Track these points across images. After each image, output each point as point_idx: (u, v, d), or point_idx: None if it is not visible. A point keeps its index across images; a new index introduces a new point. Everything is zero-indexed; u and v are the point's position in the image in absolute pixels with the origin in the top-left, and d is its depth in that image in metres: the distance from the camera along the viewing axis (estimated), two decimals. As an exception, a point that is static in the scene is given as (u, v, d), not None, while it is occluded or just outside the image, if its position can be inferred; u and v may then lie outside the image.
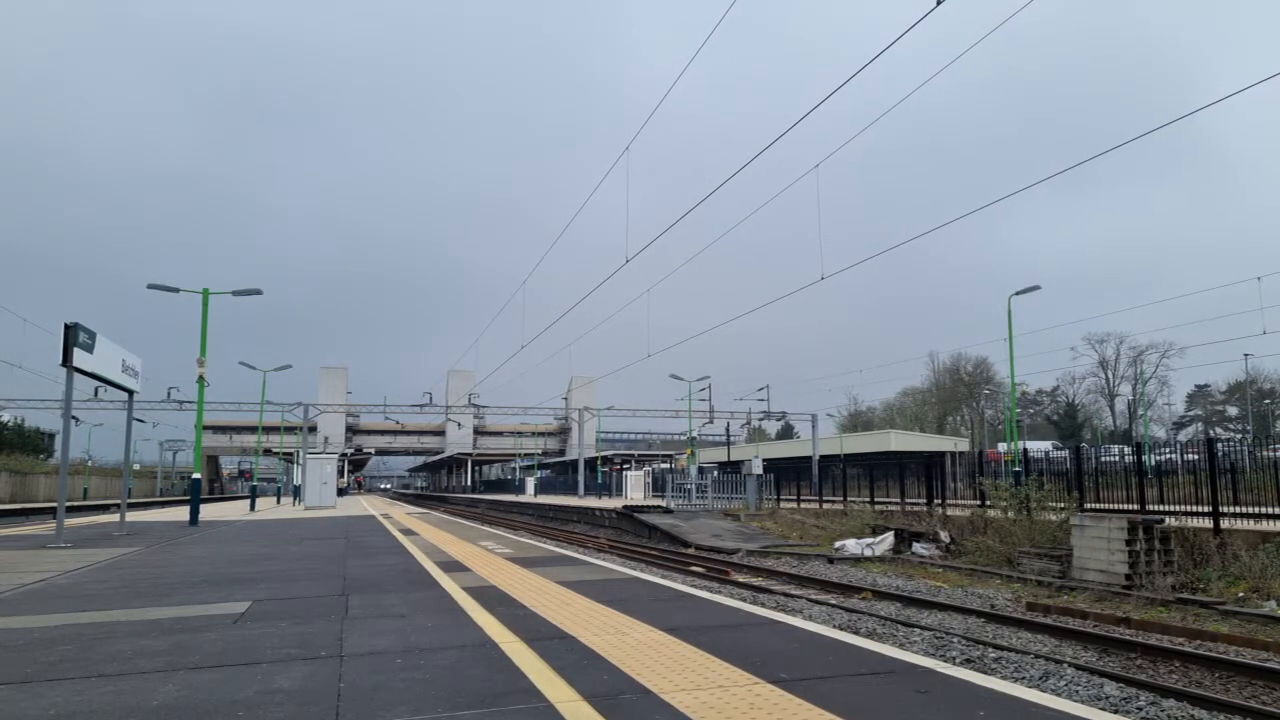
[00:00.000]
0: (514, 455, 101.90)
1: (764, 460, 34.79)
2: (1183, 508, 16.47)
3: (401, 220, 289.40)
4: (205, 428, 31.14)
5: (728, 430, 73.08)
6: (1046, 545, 17.12)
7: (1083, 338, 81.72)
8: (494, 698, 4.02)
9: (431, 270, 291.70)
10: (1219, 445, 17.21)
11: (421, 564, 10.79)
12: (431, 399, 74.39)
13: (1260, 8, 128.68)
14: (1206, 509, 15.83)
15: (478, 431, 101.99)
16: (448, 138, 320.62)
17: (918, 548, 20.61)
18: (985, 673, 7.27)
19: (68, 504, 17.65)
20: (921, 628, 10.67)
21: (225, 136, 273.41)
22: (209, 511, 31.43)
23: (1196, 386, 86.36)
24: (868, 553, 20.31)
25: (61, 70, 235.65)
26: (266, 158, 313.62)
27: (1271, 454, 16.45)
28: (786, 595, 13.86)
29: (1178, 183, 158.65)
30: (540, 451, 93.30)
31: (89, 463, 71.37)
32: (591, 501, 44.14)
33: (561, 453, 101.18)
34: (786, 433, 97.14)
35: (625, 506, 32.81)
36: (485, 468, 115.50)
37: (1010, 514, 19.40)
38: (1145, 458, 19.24)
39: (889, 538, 21.08)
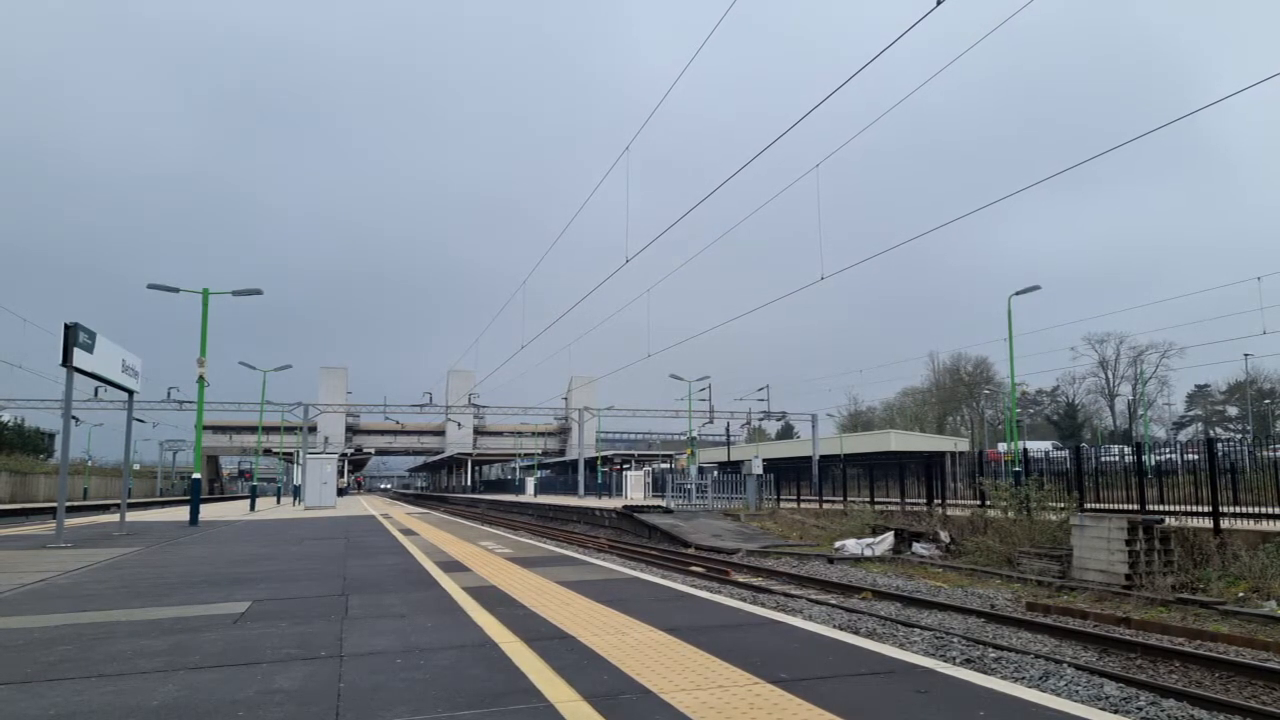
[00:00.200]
0: (514, 455, 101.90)
1: (764, 460, 34.79)
2: (1183, 508, 16.47)
3: (401, 220, 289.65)
4: (205, 428, 31.14)
5: (728, 430, 73.09)
6: (1046, 545, 17.12)
7: (1083, 338, 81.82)
8: (494, 698, 4.02)
9: (431, 270, 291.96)
10: (1219, 445, 17.21)
11: (421, 564, 10.79)
12: (431, 399, 74.42)
13: (1260, 8, 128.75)
14: (1206, 509, 15.83)
15: (478, 431, 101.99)
16: (448, 138, 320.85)
17: (918, 548, 20.61)
18: (985, 673, 7.27)
19: (68, 504, 17.65)
20: (921, 628, 10.67)
21: (225, 136, 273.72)
22: (209, 511, 31.43)
23: (1196, 386, 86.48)
24: (868, 553, 20.31)
25: (61, 70, 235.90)
26: (266, 158, 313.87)
27: (1271, 454, 16.45)
28: (786, 595, 13.86)
29: (1178, 183, 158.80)
30: (540, 451, 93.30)
31: (89, 463, 71.37)
32: (591, 501, 44.14)
33: (561, 453, 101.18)
34: (786, 433, 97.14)
35: (625, 506, 32.81)
36: (485, 468, 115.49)
37: (1010, 514, 19.41)
38: (1145, 458, 19.24)
39: (889, 538, 21.08)
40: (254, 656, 5.03)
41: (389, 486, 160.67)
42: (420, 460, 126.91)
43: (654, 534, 26.83)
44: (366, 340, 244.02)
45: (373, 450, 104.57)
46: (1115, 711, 6.77)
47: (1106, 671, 8.46)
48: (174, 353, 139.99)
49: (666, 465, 53.25)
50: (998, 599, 14.02)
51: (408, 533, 17.41)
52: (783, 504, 32.12)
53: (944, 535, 21.02)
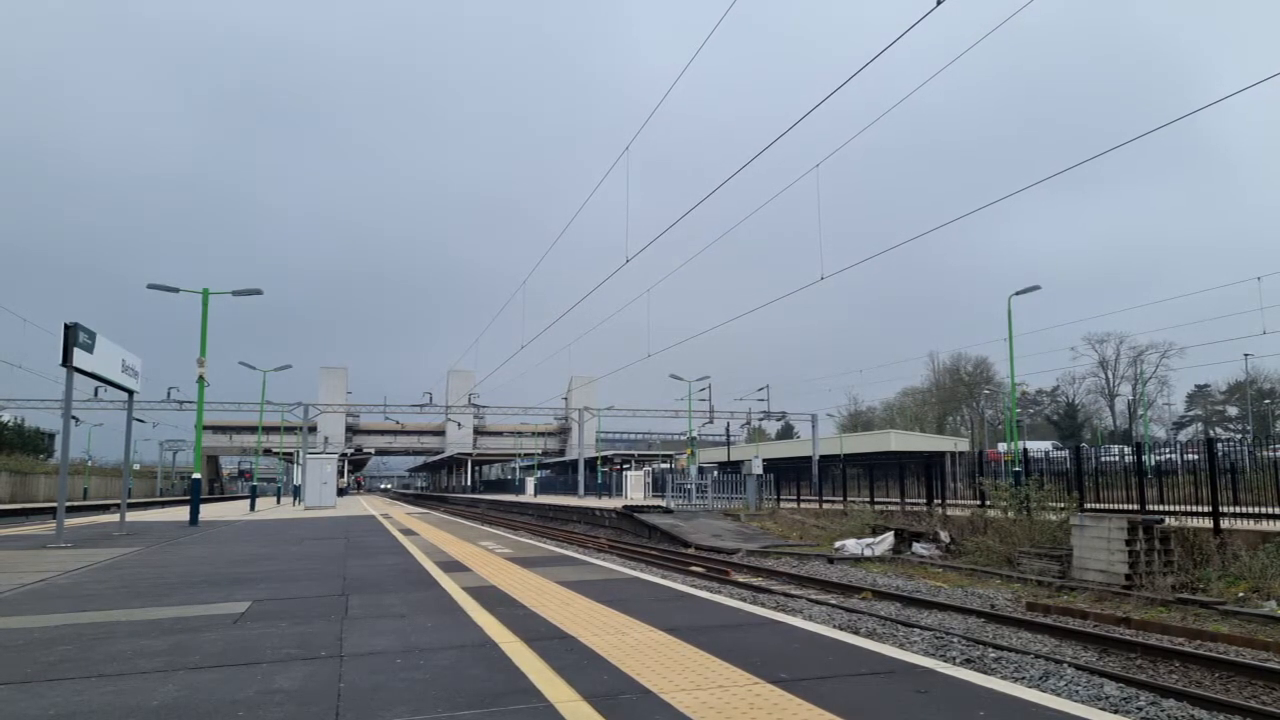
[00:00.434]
0: (514, 455, 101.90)
1: (764, 460, 34.80)
2: (1183, 508, 16.47)
3: (401, 220, 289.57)
4: (205, 428, 31.15)
5: (728, 430, 73.11)
6: (1046, 545, 17.12)
7: (1083, 338, 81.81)
8: (494, 698, 4.02)
9: (431, 270, 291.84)
10: (1219, 445, 17.21)
11: (421, 564, 10.79)
12: (431, 399, 74.42)
13: (1260, 8, 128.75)
14: (1206, 509, 15.83)
15: (478, 431, 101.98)
16: (448, 138, 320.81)
17: (918, 548, 20.61)
18: (985, 673, 7.27)
19: (67, 504, 17.65)
20: (921, 628, 10.67)
21: (225, 136, 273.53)
22: (209, 511, 31.43)
23: (1196, 386, 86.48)
24: (868, 553, 20.31)
25: (61, 70, 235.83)
26: (267, 158, 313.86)
27: (1271, 454, 16.45)
28: (786, 595, 13.86)
29: (1178, 183, 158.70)
30: (540, 451, 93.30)
31: (89, 463, 71.37)
32: (591, 501, 44.14)
33: (561, 453, 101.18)
34: (786, 433, 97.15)
35: (625, 506, 32.81)
36: (485, 468, 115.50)
37: (1010, 514, 19.41)
38: (1145, 458, 19.24)
39: (889, 538, 21.08)
40: (254, 656, 5.03)
41: (389, 486, 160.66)
42: (420, 460, 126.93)
43: (654, 534, 26.83)
44: (366, 340, 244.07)
45: (373, 450, 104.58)
46: (1115, 711, 6.77)
47: (1106, 671, 8.46)
48: (174, 353, 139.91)
49: (666, 465, 53.26)
50: (998, 599, 14.02)
51: (408, 533, 17.41)
52: (783, 504, 32.12)
53: (944, 535, 21.02)
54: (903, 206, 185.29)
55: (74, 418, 36.27)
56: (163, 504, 59.18)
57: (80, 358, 14.74)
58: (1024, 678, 7.76)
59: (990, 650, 9.07)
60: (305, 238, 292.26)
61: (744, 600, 10.36)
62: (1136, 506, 17.64)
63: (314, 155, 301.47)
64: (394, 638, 5.61)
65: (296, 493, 45.80)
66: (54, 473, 60.63)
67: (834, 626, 9.45)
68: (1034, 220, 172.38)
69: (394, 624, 6.16)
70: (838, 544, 21.54)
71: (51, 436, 74.66)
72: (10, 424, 69.43)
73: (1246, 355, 61.88)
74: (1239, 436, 57.82)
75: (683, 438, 72.55)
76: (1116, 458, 22.57)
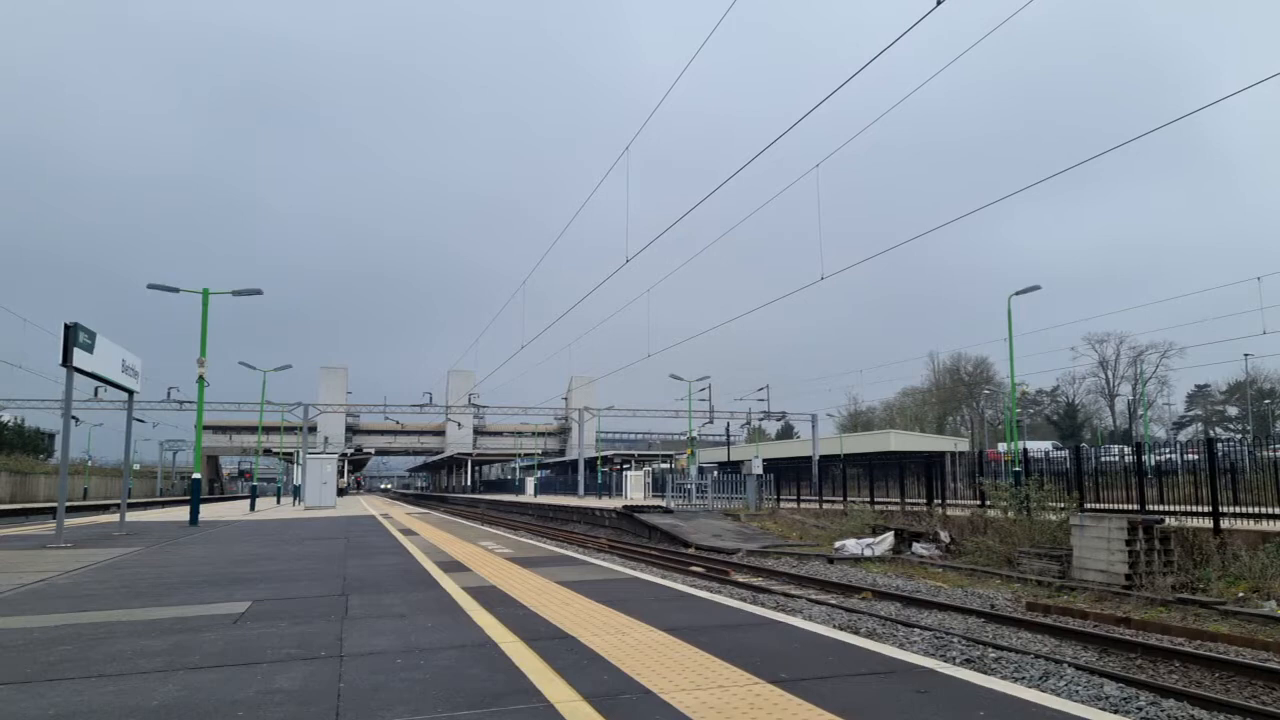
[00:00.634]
0: (514, 455, 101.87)
1: (764, 460, 34.83)
2: (1183, 508, 16.47)
3: (401, 220, 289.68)
4: (205, 428, 31.14)
5: (728, 430, 73.12)
6: (1046, 545, 17.12)
7: (1083, 338, 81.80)
8: (494, 698, 4.02)
9: (431, 270, 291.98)
10: (1219, 445, 17.22)
11: (421, 564, 10.79)
12: (431, 399, 74.43)
13: (1260, 8, 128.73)
14: (1206, 509, 15.83)
15: (478, 431, 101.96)
16: (448, 137, 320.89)
17: (918, 548, 20.61)
18: (985, 673, 7.28)
19: (67, 504, 17.65)
20: (921, 628, 10.67)
21: (225, 136, 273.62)
22: (209, 511, 31.42)
23: (1196, 386, 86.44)
24: (868, 553, 20.30)
25: (62, 70, 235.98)
26: (267, 158, 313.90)
27: (1271, 454, 16.45)
28: (786, 595, 13.86)
29: (1178, 183, 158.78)
30: (540, 451, 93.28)
31: (89, 463, 71.35)
32: (591, 501, 44.14)
33: (561, 453, 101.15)
34: (786, 433, 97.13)
35: (625, 506, 32.81)
36: (485, 468, 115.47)
37: (1010, 514, 19.41)
38: (1145, 458, 19.24)
39: (889, 538, 21.08)
40: (254, 656, 5.03)
41: (389, 486, 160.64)
42: (420, 460, 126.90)
43: (654, 534, 26.83)
44: (366, 340, 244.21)
45: (373, 450, 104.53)
46: (1115, 711, 6.77)
47: (1106, 671, 8.46)
48: (174, 353, 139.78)
49: (666, 465, 53.26)
50: (998, 599, 14.02)
51: (407, 533, 17.41)
52: (783, 504, 32.12)
53: (944, 535, 21.02)
54: (903, 206, 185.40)
55: (74, 418, 36.26)
56: (163, 504, 59.16)
57: (80, 358, 14.73)
58: (1024, 678, 7.76)
59: (990, 650, 9.07)
60: (305, 237, 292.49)
61: (744, 600, 10.36)
62: (1136, 506, 17.64)
63: (314, 155, 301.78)
64: (394, 638, 5.61)
65: (296, 493, 45.80)
66: (54, 473, 60.63)
67: (834, 626, 9.45)
68: (1034, 220, 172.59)
69: (394, 624, 6.16)
70: (838, 544, 21.54)
71: (51, 436, 74.68)
72: (10, 424, 69.45)
73: (1246, 355, 61.92)
74: (1239, 436, 57.81)
75: (683, 438, 72.55)
76: (1116, 458, 22.56)
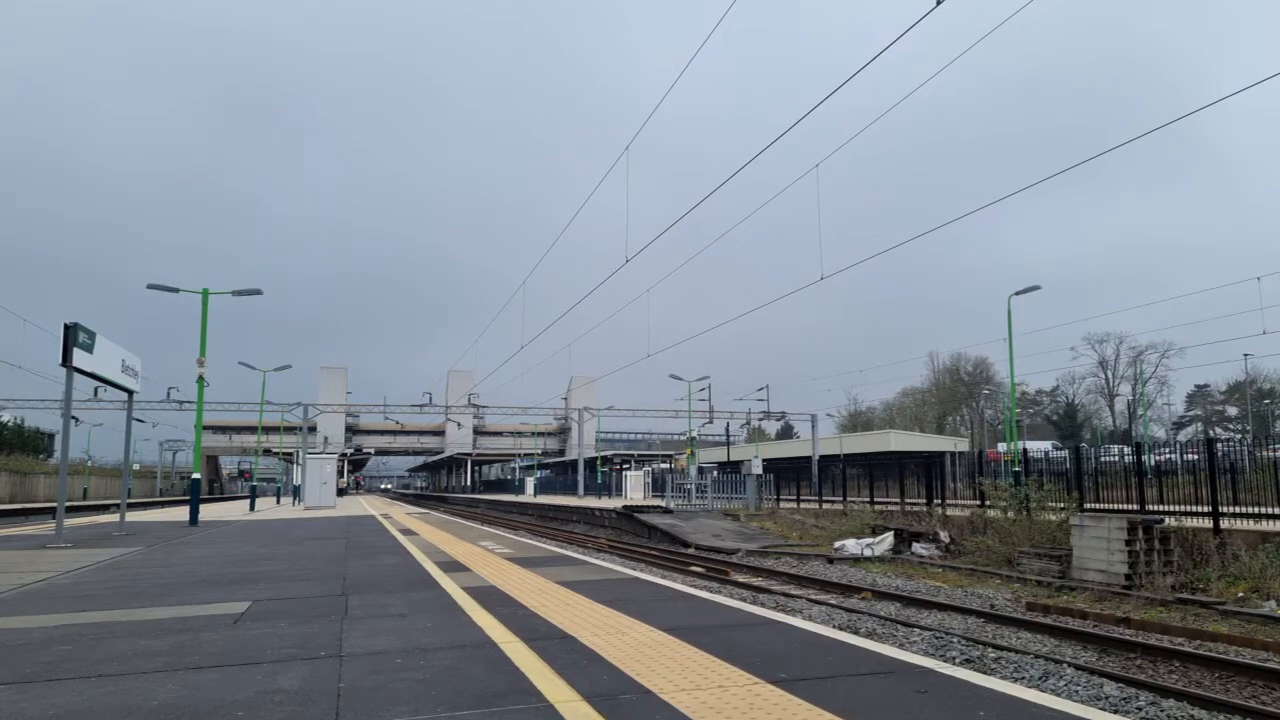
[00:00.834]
0: (514, 455, 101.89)
1: (764, 460, 34.83)
2: (1182, 508, 16.47)
3: (402, 220, 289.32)
4: (205, 428, 31.14)
5: (727, 430, 73.12)
6: (1046, 545, 17.12)
7: (1083, 338, 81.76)
8: (494, 698, 4.02)
9: (431, 270, 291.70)
10: (1219, 445, 17.23)
11: (421, 564, 10.79)
12: (431, 399, 74.37)
13: (1260, 8, 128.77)
14: (1206, 509, 15.83)
15: (477, 431, 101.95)
16: (448, 139, 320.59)
17: (917, 548, 20.61)
18: (985, 673, 7.28)
19: (67, 504, 17.65)
20: (921, 628, 10.68)
21: (225, 137, 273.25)
22: (209, 511, 31.42)
23: (1196, 386, 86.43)
24: (867, 553, 20.31)
25: (62, 71, 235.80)
26: (267, 158, 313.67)
27: (1271, 454, 16.46)
28: (786, 595, 13.86)
29: (1178, 183, 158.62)
30: (540, 451, 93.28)
31: (89, 463, 71.33)
32: (591, 501, 44.15)
33: (561, 453, 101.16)
34: (786, 433, 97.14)
35: (625, 506, 32.82)
36: (485, 468, 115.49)
37: (1010, 514, 19.40)
38: (1145, 458, 19.24)
39: (889, 538, 21.08)
40: (254, 657, 5.03)
41: (389, 486, 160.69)
42: (420, 460, 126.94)
43: (654, 534, 26.84)
44: (366, 340, 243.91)
45: (372, 450, 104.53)
46: (1115, 711, 6.77)
47: (1106, 671, 8.46)
48: (174, 353, 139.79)
49: (666, 465, 53.24)
50: (997, 599, 14.02)
51: (407, 533, 17.41)
52: (782, 504, 32.13)
53: (944, 535, 21.03)
54: (903, 206, 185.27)
55: (74, 418, 36.25)
56: (162, 504, 59.14)
57: (80, 358, 14.74)
58: (1024, 678, 7.76)
59: (990, 650, 9.08)
60: (305, 238, 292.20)
61: (744, 600, 10.37)
62: (1136, 506, 17.65)
63: (315, 156, 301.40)
64: (394, 638, 5.61)
65: (296, 493, 45.82)
66: (54, 473, 60.62)
67: (834, 626, 9.45)
68: (1034, 220, 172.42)
69: (394, 624, 6.16)
70: (837, 544, 21.54)
71: (51, 436, 74.64)
72: (10, 424, 69.41)
73: (1246, 355, 61.95)
74: (1239, 436, 57.83)
75: (682, 438, 72.52)
76: (1116, 458, 22.57)
